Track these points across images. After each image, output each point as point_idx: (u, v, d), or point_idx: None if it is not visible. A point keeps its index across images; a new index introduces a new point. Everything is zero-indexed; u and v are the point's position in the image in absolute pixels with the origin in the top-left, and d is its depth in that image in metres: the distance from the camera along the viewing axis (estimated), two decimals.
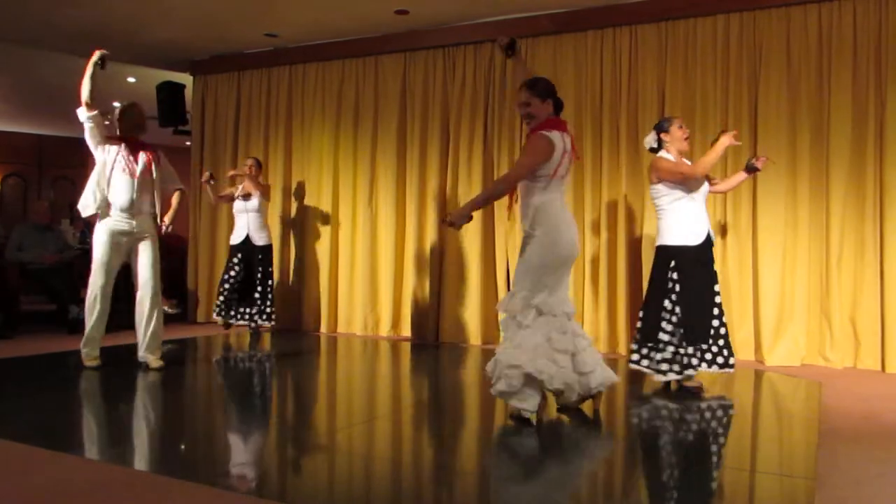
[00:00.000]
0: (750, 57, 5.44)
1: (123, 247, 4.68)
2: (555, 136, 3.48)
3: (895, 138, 5.03)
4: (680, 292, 4.05)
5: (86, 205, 4.62)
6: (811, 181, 5.24)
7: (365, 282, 6.73)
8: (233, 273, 6.44)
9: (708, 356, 4.03)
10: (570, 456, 3.14)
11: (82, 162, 12.55)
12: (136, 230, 4.67)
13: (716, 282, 4.14)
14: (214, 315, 6.59)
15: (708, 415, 3.88)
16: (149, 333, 4.77)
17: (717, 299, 4.10)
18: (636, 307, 5.72)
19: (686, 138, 4.23)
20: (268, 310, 6.49)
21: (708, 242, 4.11)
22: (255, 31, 6.70)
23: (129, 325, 6.70)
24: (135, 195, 4.63)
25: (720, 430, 3.57)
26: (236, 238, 6.48)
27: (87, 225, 9.00)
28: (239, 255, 6.44)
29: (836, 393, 4.25)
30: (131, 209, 4.62)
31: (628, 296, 5.72)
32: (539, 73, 6.08)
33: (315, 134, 7.06)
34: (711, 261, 4.14)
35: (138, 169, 4.65)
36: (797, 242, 5.26)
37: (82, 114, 4.61)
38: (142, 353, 4.80)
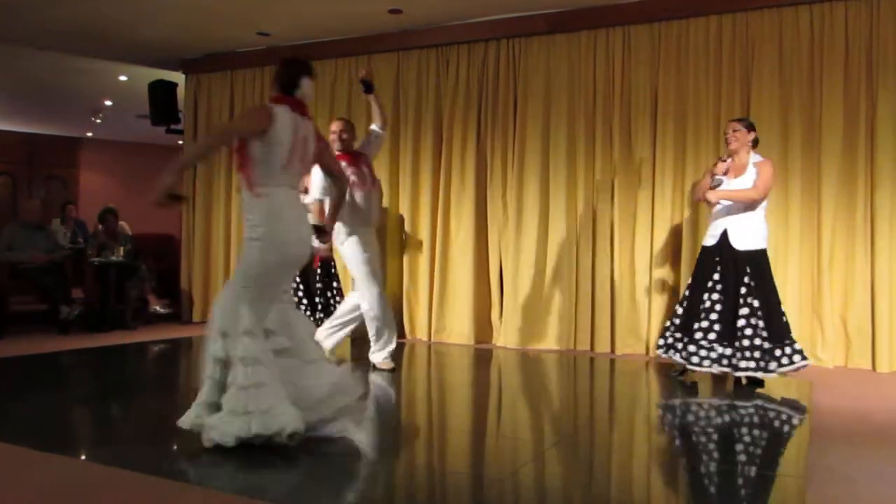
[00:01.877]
0: (742, 57, 5.46)
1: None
2: (281, 110, 3.01)
3: (886, 139, 5.06)
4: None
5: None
6: (803, 181, 5.26)
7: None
8: (293, 281, 5.86)
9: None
10: (562, 456, 3.15)
11: (73, 161, 12.49)
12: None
13: (707, 284, 4.30)
14: None
15: (700, 414, 3.89)
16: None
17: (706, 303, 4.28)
18: (631, 306, 5.74)
19: (728, 142, 4.32)
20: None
21: (717, 245, 4.28)
22: (247, 30, 6.67)
23: (122, 325, 6.71)
24: (372, 207, 4.74)
25: (711, 429, 3.58)
26: None
27: (78, 225, 8.97)
28: None
29: (828, 392, 4.27)
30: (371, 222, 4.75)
31: (621, 295, 5.74)
32: (533, 73, 6.10)
33: None
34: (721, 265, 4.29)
35: (368, 181, 4.73)
36: (788, 242, 5.28)
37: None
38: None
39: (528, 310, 6.00)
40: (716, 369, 4.21)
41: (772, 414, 4.02)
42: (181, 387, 4.67)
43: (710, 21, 5.54)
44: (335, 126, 4.72)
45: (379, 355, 4.74)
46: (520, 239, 6.06)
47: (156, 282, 7.40)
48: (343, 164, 4.52)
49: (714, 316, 4.21)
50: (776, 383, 4.57)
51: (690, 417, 3.83)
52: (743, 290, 4.18)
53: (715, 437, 3.45)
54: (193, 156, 3.09)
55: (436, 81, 6.48)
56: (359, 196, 4.58)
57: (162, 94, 7.72)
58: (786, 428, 3.69)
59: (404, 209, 6.54)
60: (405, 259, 6.54)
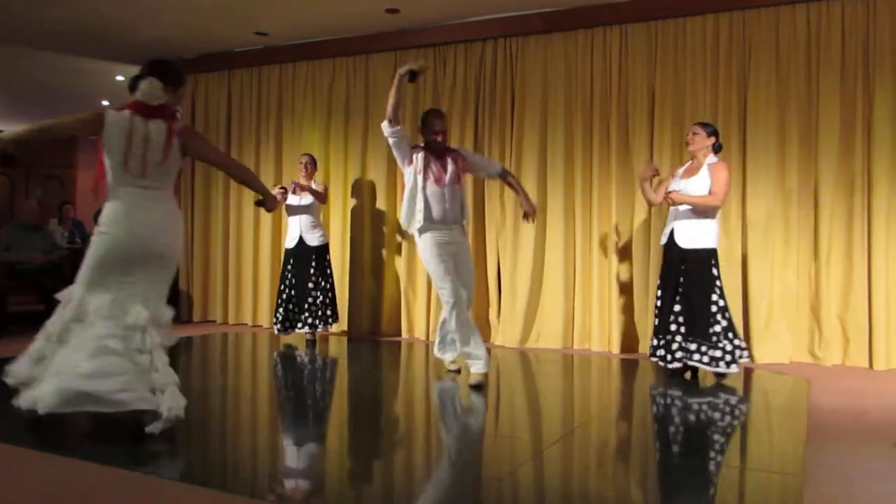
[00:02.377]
0: (739, 56, 5.47)
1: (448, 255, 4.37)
2: (116, 114, 3.13)
3: (882, 138, 5.07)
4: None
5: (408, 221, 4.41)
6: (800, 180, 5.27)
7: (356, 281, 6.72)
8: (287, 282, 5.94)
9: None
10: (560, 455, 3.15)
11: (71, 162, 12.47)
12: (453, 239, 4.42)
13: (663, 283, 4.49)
14: (275, 330, 6.05)
15: (697, 412, 3.90)
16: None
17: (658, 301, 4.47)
18: (628, 305, 5.76)
19: (687, 143, 4.49)
20: (327, 312, 5.97)
21: (667, 243, 4.43)
22: (244, 30, 6.67)
23: None
24: (446, 204, 4.36)
25: (709, 427, 3.59)
26: (290, 241, 5.95)
27: (76, 225, 8.96)
28: (292, 260, 5.94)
29: (825, 390, 4.28)
30: (446, 219, 4.37)
31: (619, 293, 5.75)
32: (530, 72, 6.10)
33: (306, 132, 7.04)
34: (667, 262, 4.47)
35: (447, 177, 4.36)
36: (786, 241, 5.29)
37: (385, 129, 4.32)
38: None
39: (525, 309, 6.00)
40: (652, 360, 4.44)
41: (769, 412, 4.03)
42: (181, 387, 4.66)
43: (706, 20, 5.55)
44: (437, 125, 4.42)
45: (477, 366, 4.30)
46: (517, 238, 6.07)
47: None
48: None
49: (656, 311, 4.44)
50: (774, 382, 4.58)
51: (688, 416, 3.84)
52: (680, 289, 4.32)
53: (712, 435, 3.46)
54: (27, 133, 3.15)
55: (433, 81, 6.48)
56: (430, 192, 4.30)
57: None
58: (783, 426, 3.70)
59: (402, 207, 6.53)
60: (403, 259, 6.54)
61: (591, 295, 5.84)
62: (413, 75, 4.21)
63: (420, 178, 4.31)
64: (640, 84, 5.72)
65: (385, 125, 4.30)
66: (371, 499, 2.66)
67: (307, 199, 5.91)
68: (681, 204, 4.32)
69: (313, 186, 5.95)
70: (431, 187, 4.31)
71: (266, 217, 7.04)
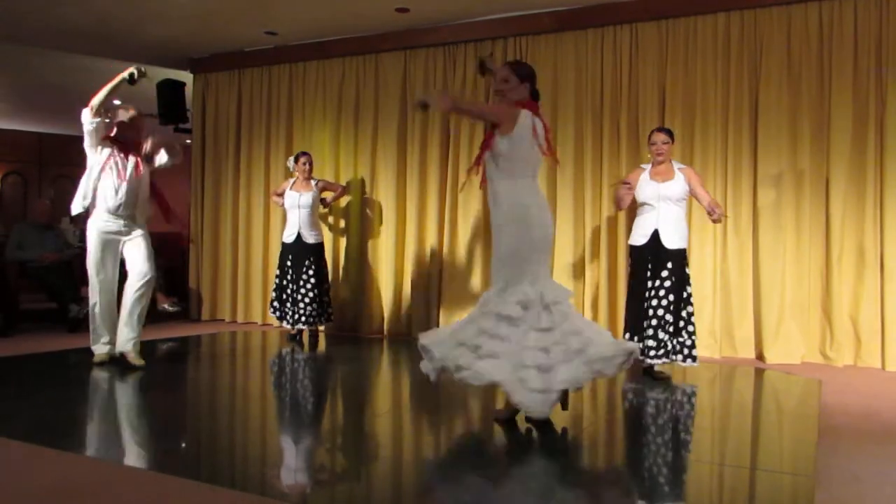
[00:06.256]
0: (750, 55, 5.44)
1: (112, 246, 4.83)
2: (523, 113, 3.32)
3: (895, 137, 5.03)
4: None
5: (74, 205, 4.92)
6: (812, 179, 5.24)
7: (364, 280, 6.73)
8: (286, 278, 6.08)
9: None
10: (561, 451, 3.14)
11: (82, 161, 12.55)
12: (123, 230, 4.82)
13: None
14: (284, 323, 6.19)
15: (707, 412, 3.88)
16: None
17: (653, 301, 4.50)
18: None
19: (659, 153, 4.57)
20: (324, 311, 6.13)
21: (647, 244, 4.50)
22: (254, 29, 6.69)
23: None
24: (123, 197, 4.82)
25: (720, 427, 3.57)
26: (289, 236, 6.06)
27: None
28: (290, 256, 6.05)
29: (837, 390, 4.25)
30: (118, 210, 4.82)
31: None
32: (540, 71, 6.05)
33: (316, 132, 7.06)
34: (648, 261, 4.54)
35: (127, 172, 4.92)
36: (798, 240, 5.26)
37: (86, 117, 4.80)
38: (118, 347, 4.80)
39: None
40: (660, 361, 4.44)
41: (780, 412, 4.01)
42: (189, 385, 4.68)
43: (717, 18, 5.52)
44: None
45: None
46: None
47: (163, 280, 7.43)
48: None
49: (651, 311, 4.47)
50: (785, 382, 4.55)
51: (697, 416, 3.82)
52: (667, 285, 4.42)
53: (722, 435, 3.44)
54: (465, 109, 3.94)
55: (443, 79, 6.48)
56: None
57: (170, 94, 7.74)
58: (794, 427, 3.68)
59: (411, 208, 6.54)
60: (412, 256, 6.54)
61: (601, 294, 5.82)
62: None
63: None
64: (650, 83, 5.70)
65: (87, 113, 5.02)
66: (372, 499, 2.65)
67: (307, 197, 6.02)
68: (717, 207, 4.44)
69: (313, 186, 6.13)
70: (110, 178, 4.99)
71: (277, 215, 7.06)
